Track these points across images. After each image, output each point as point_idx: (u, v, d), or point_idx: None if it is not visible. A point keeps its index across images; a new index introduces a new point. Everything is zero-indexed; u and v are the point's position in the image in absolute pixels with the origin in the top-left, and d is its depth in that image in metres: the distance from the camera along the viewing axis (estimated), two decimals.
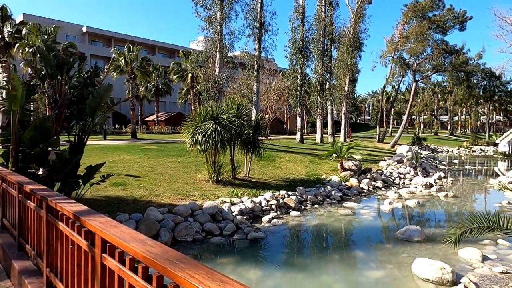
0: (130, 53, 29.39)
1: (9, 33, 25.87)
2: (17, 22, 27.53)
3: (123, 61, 29.22)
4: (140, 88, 40.27)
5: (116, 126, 38.10)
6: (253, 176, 14.27)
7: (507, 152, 36.33)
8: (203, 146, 11.83)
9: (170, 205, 9.46)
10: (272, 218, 10.16)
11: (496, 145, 39.92)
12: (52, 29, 24.87)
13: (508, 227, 4.61)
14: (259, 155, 14.18)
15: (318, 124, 31.77)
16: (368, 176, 16.79)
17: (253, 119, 14.90)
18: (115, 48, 34.40)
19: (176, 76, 37.08)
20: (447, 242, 5.19)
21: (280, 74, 41.87)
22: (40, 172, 6.34)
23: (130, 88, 31.54)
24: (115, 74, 30.20)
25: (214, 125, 11.84)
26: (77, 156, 7.45)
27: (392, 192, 14.86)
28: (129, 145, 19.78)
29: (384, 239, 9.53)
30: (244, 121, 13.07)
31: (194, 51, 35.81)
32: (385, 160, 21.84)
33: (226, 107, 12.96)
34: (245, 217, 9.78)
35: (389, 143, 35.15)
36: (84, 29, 48.17)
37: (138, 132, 33.81)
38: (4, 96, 7.71)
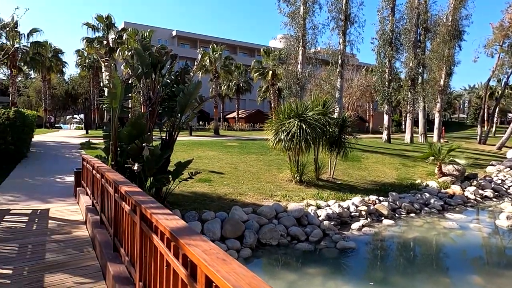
0: (214, 53, 30.50)
1: (113, 39, 29.10)
2: (119, 29, 30.72)
3: (207, 60, 30.43)
4: (222, 87, 41.78)
5: (200, 123, 40.19)
6: (337, 177, 13.35)
7: None
8: (286, 145, 11.35)
9: (254, 205, 9.19)
10: (363, 226, 9.20)
11: None
12: (147, 33, 27.02)
13: None
14: (344, 155, 13.18)
15: (408, 122, 28.93)
16: (474, 183, 14.47)
17: (335, 116, 13.93)
18: (201, 49, 36.09)
19: (257, 74, 37.50)
20: None
21: (363, 70, 39.37)
22: (135, 167, 6.52)
23: (213, 86, 32.77)
24: (200, 73, 31.68)
25: (298, 123, 11.26)
26: (168, 152, 7.58)
27: (508, 204, 12.49)
28: (212, 141, 20.37)
29: (506, 264, 7.86)
30: (330, 118, 12.25)
31: (274, 48, 35.70)
32: (493, 165, 18.73)
33: (311, 104, 12.28)
34: (332, 223, 9.02)
35: (494, 145, 30.40)
36: (174, 33, 51.80)
37: (220, 129, 35.03)
38: (106, 94, 8.22)
